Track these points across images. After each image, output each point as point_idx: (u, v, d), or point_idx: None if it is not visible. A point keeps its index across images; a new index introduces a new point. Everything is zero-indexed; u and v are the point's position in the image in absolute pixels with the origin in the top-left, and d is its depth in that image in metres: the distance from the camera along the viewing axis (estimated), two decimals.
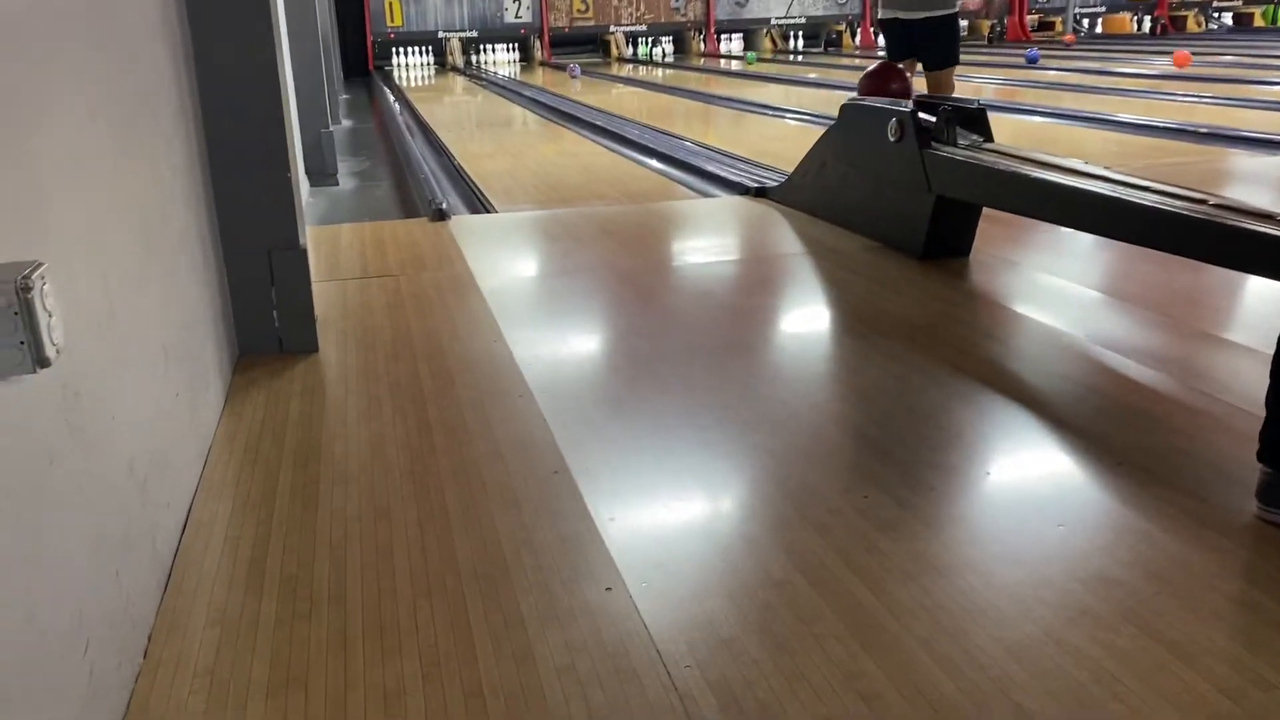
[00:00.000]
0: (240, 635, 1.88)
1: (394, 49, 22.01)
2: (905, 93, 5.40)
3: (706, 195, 6.47)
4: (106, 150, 2.03)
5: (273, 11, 3.22)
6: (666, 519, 2.33)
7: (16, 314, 1.25)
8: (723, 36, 23.77)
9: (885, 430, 2.73)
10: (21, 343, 1.27)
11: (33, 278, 1.27)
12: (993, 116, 4.47)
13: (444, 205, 5.76)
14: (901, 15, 6.12)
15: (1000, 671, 1.73)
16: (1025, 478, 2.52)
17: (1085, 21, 25.15)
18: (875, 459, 2.54)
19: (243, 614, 1.95)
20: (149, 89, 2.50)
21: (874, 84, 5.62)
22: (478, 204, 6.48)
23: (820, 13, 24.24)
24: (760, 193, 5.87)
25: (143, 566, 1.91)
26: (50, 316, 1.31)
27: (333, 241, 5.04)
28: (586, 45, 23.03)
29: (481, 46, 22.59)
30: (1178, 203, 3.11)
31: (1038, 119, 9.64)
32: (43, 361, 1.30)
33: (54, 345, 1.32)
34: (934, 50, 6.15)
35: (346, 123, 11.84)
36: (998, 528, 2.26)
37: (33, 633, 1.33)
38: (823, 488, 2.40)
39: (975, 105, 4.50)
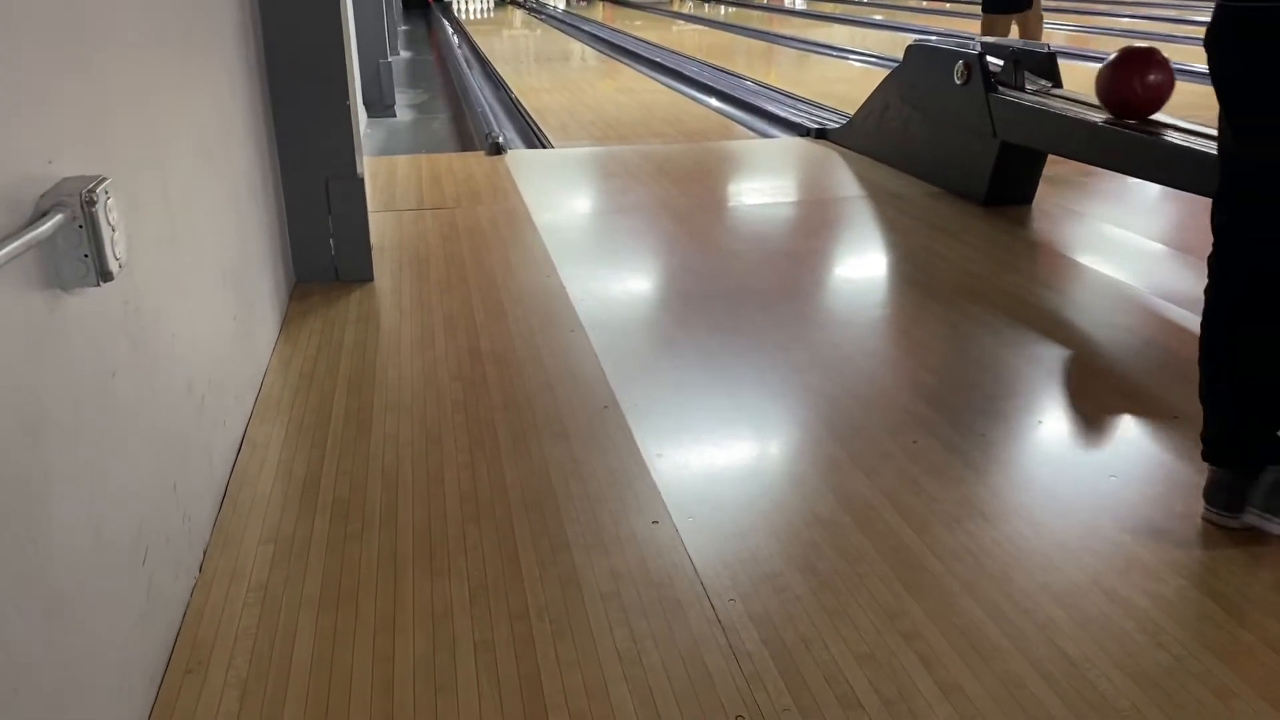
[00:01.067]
0: (293, 553, 1.93)
1: None
2: (1162, 90, 3.61)
3: (765, 136, 6.38)
4: (170, 71, 2.05)
5: None
6: (714, 456, 2.34)
7: (81, 227, 1.27)
8: None
9: (938, 376, 2.71)
10: (85, 255, 1.29)
11: (97, 191, 1.29)
12: (1064, 63, 4.35)
13: (500, 139, 5.75)
14: None
15: (1045, 617, 1.73)
16: (1078, 428, 2.49)
17: None
18: (926, 404, 2.52)
19: (295, 532, 2.00)
20: (212, 12, 2.51)
21: (1124, 77, 3.65)
22: (534, 139, 6.46)
23: None
24: (820, 134, 5.78)
25: (199, 483, 1.96)
26: (114, 231, 1.34)
27: (389, 173, 5.06)
28: None
29: None
30: None
31: None
32: (105, 275, 1.32)
33: (117, 259, 1.35)
34: None
35: (405, 54, 11.83)
36: (1047, 476, 2.24)
37: (96, 540, 1.37)
38: (873, 431, 2.39)
39: (1045, 50, 4.38)
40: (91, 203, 1.28)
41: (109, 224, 1.32)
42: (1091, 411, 2.56)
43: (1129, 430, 2.45)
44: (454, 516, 2.04)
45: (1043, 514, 2.05)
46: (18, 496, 1.15)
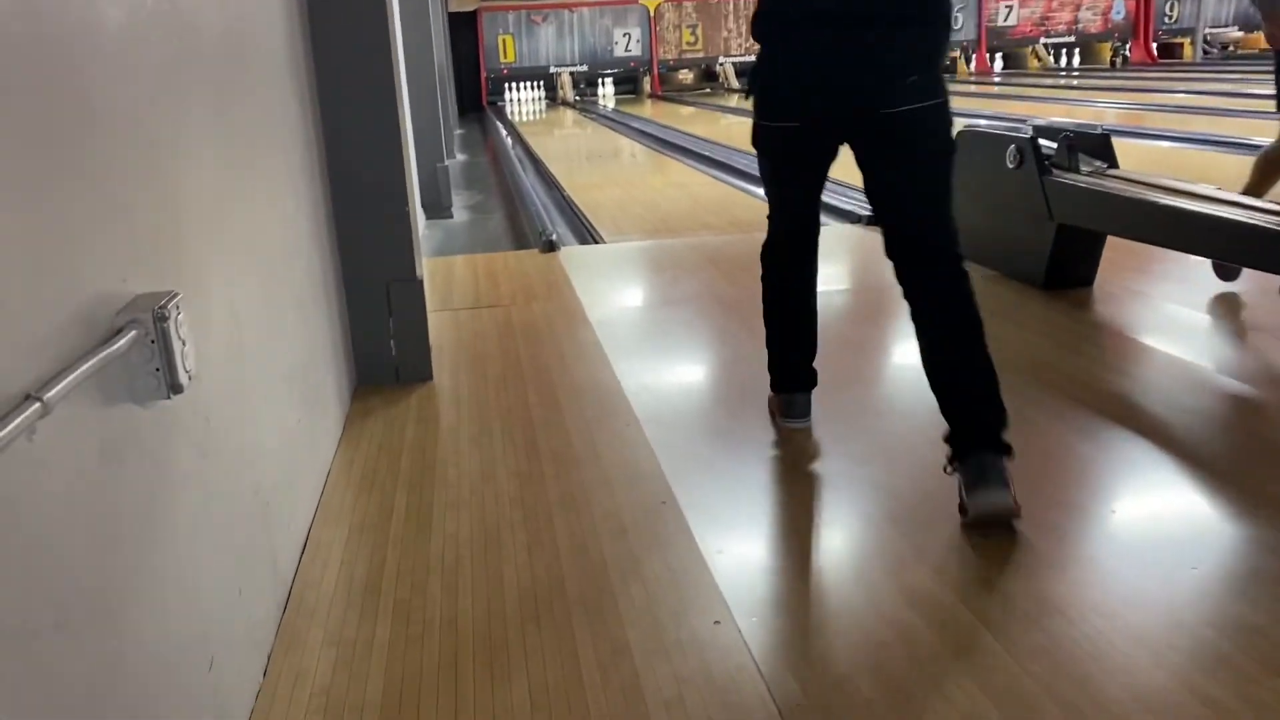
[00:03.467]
0: (355, 656, 1.92)
1: (506, 84, 22.54)
2: None
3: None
4: (237, 183, 2.12)
5: (393, 53, 3.32)
6: (775, 553, 2.30)
7: (153, 342, 1.31)
8: None
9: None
10: (157, 369, 1.32)
11: (168, 307, 1.33)
12: (1118, 142, 4.34)
13: (554, 237, 5.85)
14: None
15: None
16: (1154, 517, 2.41)
17: (1217, 41, 24.16)
18: None
19: (358, 635, 1.99)
20: (276, 128, 2.60)
21: None
22: (586, 235, 6.56)
23: None
24: (872, 221, 5.79)
25: (264, 586, 1.96)
26: (183, 344, 1.37)
27: (447, 272, 5.16)
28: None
29: (596, 79, 22.94)
30: None
31: (1165, 144, 9.33)
32: (176, 388, 1.35)
33: (186, 372, 1.37)
34: None
35: (461, 157, 12.14)
36: (1125, 569, 2.17)
37: (165, 648, 1.38)
38: (939, 524, 2.34)
39: (1099, 130, 4.38)
40: (163, 318, 1.31)
41: (179, 338, 1.35)
42: (1167, 499, 2.49)
43: (1207, 517, 2.38)
44: (513, 617, 2.02)
45: (1123, 609, 1.98)
46: (91, 609, 1.16)
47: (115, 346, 1.20)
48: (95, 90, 1.33)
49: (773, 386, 2.96)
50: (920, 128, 2.42)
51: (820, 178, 2.74)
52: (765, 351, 2.98)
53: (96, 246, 1.29)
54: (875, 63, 2.34)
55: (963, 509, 2.31)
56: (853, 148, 2.51)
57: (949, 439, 2.38)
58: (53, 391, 1.04)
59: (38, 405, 1.00)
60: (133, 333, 1.26)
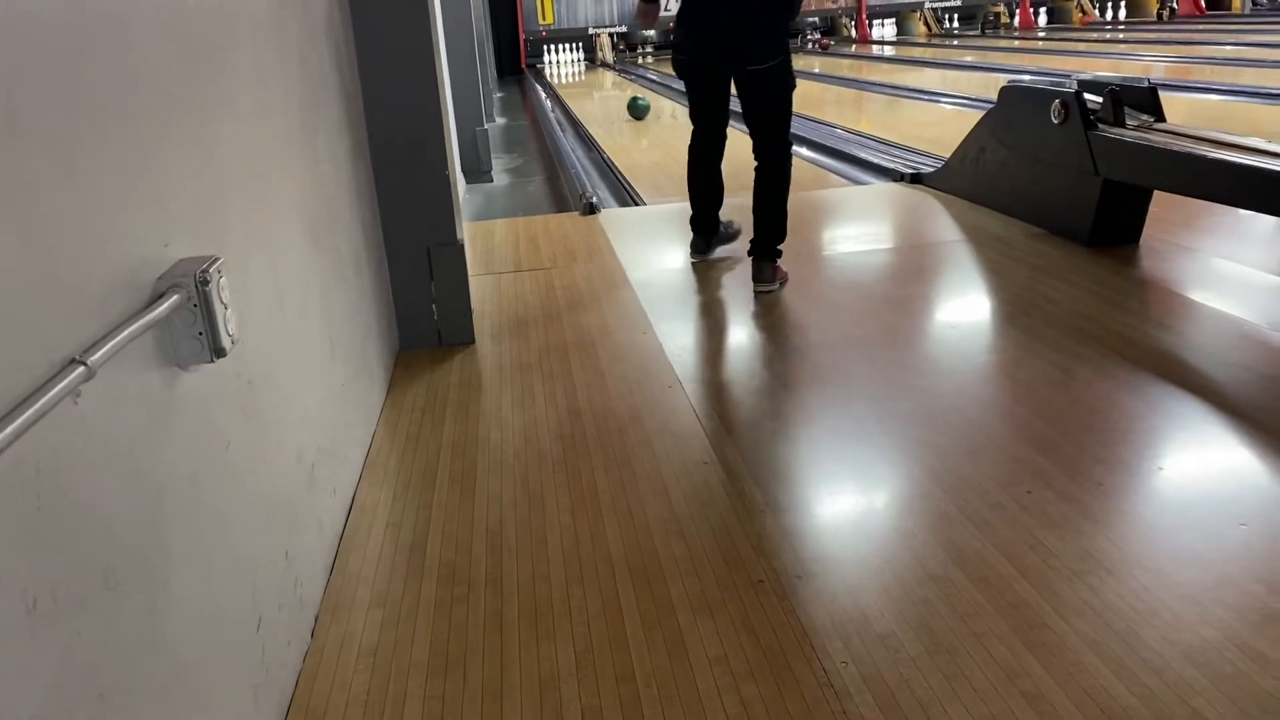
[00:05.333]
0: (401, 618, 1.95)
1: (545, 46, 22.41)
2: None
3: (859, 183, 6.34)
4: (278, 150, 2.13)
5: (431, 16, 3.31)
6: (819, 512, 2.30)
7: (195, 306, 1.32)
8: (875, 22, 23.30)
9: (1050, 424, 2.62)
10: (200, 333, 1.34)
11: (210, 271, 1.34)
12: (1165, 96, 4.23)
13: (594, 199, 5.83)
14: None
15: (1176, 676, 1.64)
16: (1202, 473, 2.38)
17: None
18: (1039, 453, 2.44)
19: (404, 597, 2.02)
20: (316, 92, 2.61)
21: None
22: (627, 197, 6.53)
23: None
24: (915, 179, 5.72)
25: (310, 549, 2.00)
26: (226, 309, 1.38)
27: (488, 236, 5.17)
28: None
29: (635, 43, 22.74)
30: None
31: (1214, 97, 9.09)
32: (219, 351, 1.36)
33: (229, 336, 1.39)
34: None
35: (500, 120, 12.12)
36: (1172, 525, 2.14)
37: (212, 610, 1.41)
38: (984, 482, 2.32)
39: (1145, 84, 4.27)
40: (205, 282, 1.33)
41: (221, 302, 1.37)
42: (1215, 455, 2.45)
43: (1256, 474, 2.34)
44: (558, 578, 2.04)
45: (1169, 566, 1.96)
46: (138, 569, 1.18)
47: (158, 310, 1.22)
48: (137, 53, 1.34)
49: (692, 226, 4.45)
50: (769, 77, 3.86)
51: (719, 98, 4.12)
52: (809, 310, 3.12)
53: (139, 211, 1.30)
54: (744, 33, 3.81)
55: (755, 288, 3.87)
56: (718, 81, 4.00)
57: (751, 243, 4.00)
58: (96, 355, 1.06)
59: (82, 369, 1.02)
60: (175, 297, 1.28)
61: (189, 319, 1.33)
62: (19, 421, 0.90)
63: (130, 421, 1.20)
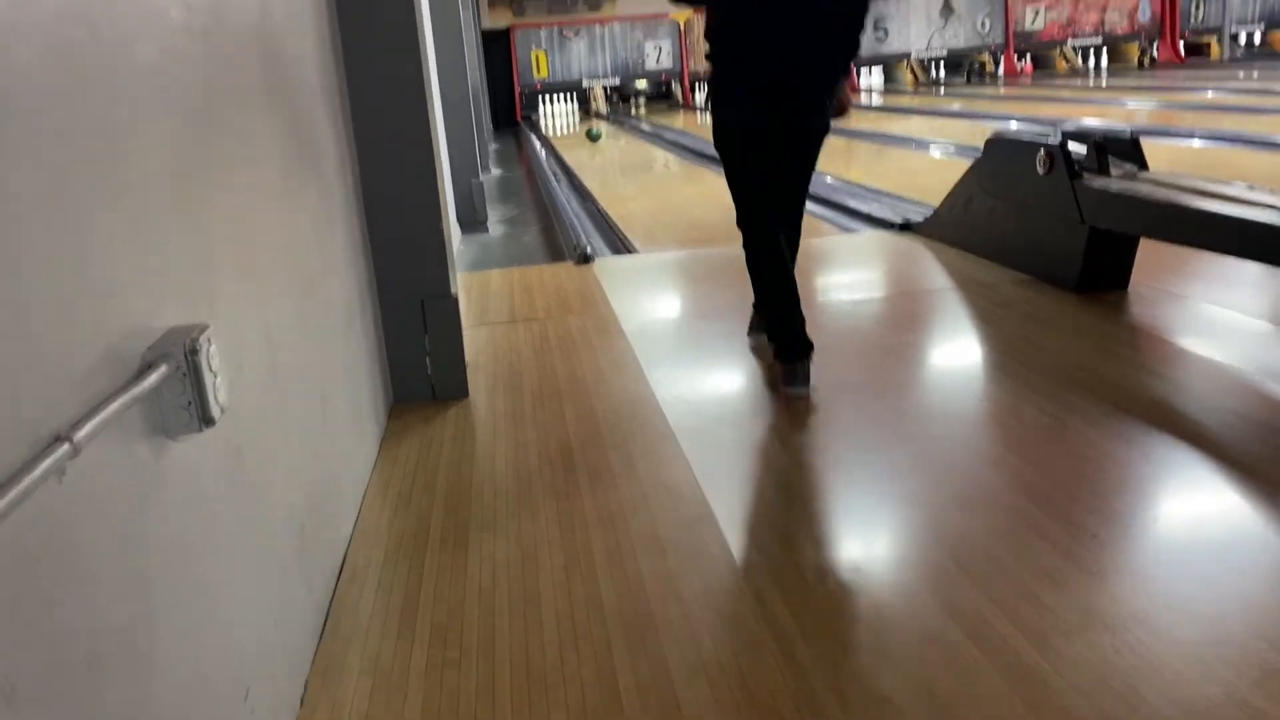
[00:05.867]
0: (392, 684, 1.92)
1: (540, 98, 22.64)
2: None
3: (850, 231, 6.38)
4: (270, 210, 2.14)
5: (425, 70, 3.34)
6: (815, 569, 2.28)
7: (185, 376, 1.32)
8: (861, 71, 23.58)
9: (1043, 473, 2.61)
10: (189, 404, 1.33)
11: (199, 341, 1.34)
12: (1147, 142, 4.28)
13: (588, 249, 5.86)
14: None
15: None
16: (1198, 524, 2.37)
17: (1243, 37, 23.82)
18: (1034, 504, 2.43)
19: (395, 662, 1.99)
20: (309, 150, 2.62)
21: None
22: (620, 246, 6.56)
23: (962, 44, 23.75)
24: (905, 227, 5.75)
25: (299, 613, 1.97)
26: (215, 377, 1.38)
27: (483, 287, 5.18)
28: None
29: (631, 93, 22.98)
30: None
31: (1196, 143, 9.19)
32: (208, 421, 1.36)
33: (218, 405, 1.39)
34: None
35: (496, 171, 12.21)
36: (1169, 576, 2.13)
37: (200, 684, 1.38)
38: (979, 535, 2.31)
39: (1128, 133, 4.32)
40: (194, 352, 1.32)
41: (211, 370, 1.36)
42: (1209, 504, 2.44)
43: (1253, 524, 2.33)
44: (551, 641, 2.02)
45: (1168, 620, 1.94)
46: (123, 648, 1.16)
47: (146, 383, 1.21)
48: (127, 122, 1.35)
49: (779, 356, 3.32)
50: (819, 137, 3.38)
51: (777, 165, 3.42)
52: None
53: (128, 281, 1.30)
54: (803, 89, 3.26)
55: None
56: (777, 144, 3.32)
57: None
58: (82, 432, 1.05)
59: (67, 447, 1.01)
60: (163, 368, 1.27)
61: (178, 389, 1.32)
62: (1, 505, 0.89)
63: (117, 497, 1.19)
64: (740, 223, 3.41)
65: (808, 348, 3.30)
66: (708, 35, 3.37)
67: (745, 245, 3.42)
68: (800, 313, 3.33)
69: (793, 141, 3.33)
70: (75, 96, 1.20)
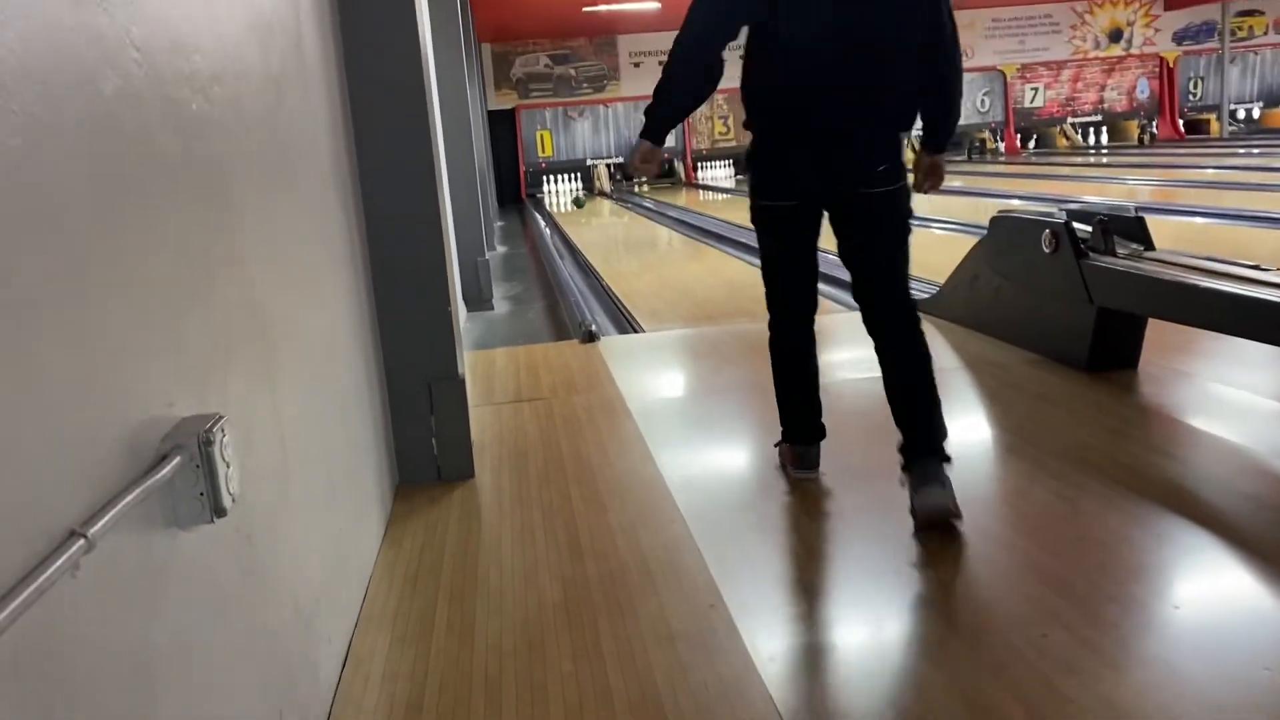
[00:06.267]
0: None
1: (545, 177, 22.94)
2: None
3: (854, 309, 6.39)
4: (282, 296, 2.14)
5: (434, 152, 3.38)
6: (829, 659, 2.24)
7: (198, 467, 1.30)
8: None
9: (1059, 559, 2.58)
10: (201, 494, 1.32)
11: (213, 431, 1.33)
12: (1151, 219, 4.31)
13: (593, 328, 5.88)
14: None
15: None
16: (1220, 613, 2.33)
17: (1241, 114, 24.24)
18: (1052, 592, 2.39)
19: None
20: (324, 233, 2.64)
21: None
22: (625, 323, 6.58)
23: (962, 121, 24.10)
24: None
25: (304, 704, 1.93)
26: (228, 467, 1.37)
27: (488, 366, 5.18)
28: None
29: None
30: None
31: (1199, 220, 9.27)
32: (220, 511, 1.34)
33: (230, 495, 1.37)
34: None
35: (501, 249, 12.32)
36: (1193, 670, 2.08)
37: None
38: (996, 623, 2.27)
39: (1132, 211, 4.35)
40: (209, 443, 1.31)
41: (224, 460, 1.35)
42: (1231, 593, 2.40)
43: (1276, 613, 2.29)
44: None
45: (1194, 712, 1.89)
46: None
47: (160, 475, 1.20)
48: (145, 212, 1.35)
49: (788, 438, 3.28)
50: (886, 204, 2.98)
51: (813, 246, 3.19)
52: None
53: (143, 372, 1.29)
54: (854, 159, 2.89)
55: (912, 510, 2.74)
56: (831, 219, 3.04)
57: (902, 449, 2.86)
58: (97, 526, 1.03)
59: (82, 542, 1.00)
60: (177, 459, 1.26)
61: (191, 479, 1.31)
62: (15, 604, 0.87)
63: (126, 590, 1.17)
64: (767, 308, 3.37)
65: (820, 433, 3.25)
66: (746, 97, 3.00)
67: (769, 328, 3.42)
68: (818, 399, 3.27)
69: (839, 214, 3.01)
70: (96, 188, 1.21)
